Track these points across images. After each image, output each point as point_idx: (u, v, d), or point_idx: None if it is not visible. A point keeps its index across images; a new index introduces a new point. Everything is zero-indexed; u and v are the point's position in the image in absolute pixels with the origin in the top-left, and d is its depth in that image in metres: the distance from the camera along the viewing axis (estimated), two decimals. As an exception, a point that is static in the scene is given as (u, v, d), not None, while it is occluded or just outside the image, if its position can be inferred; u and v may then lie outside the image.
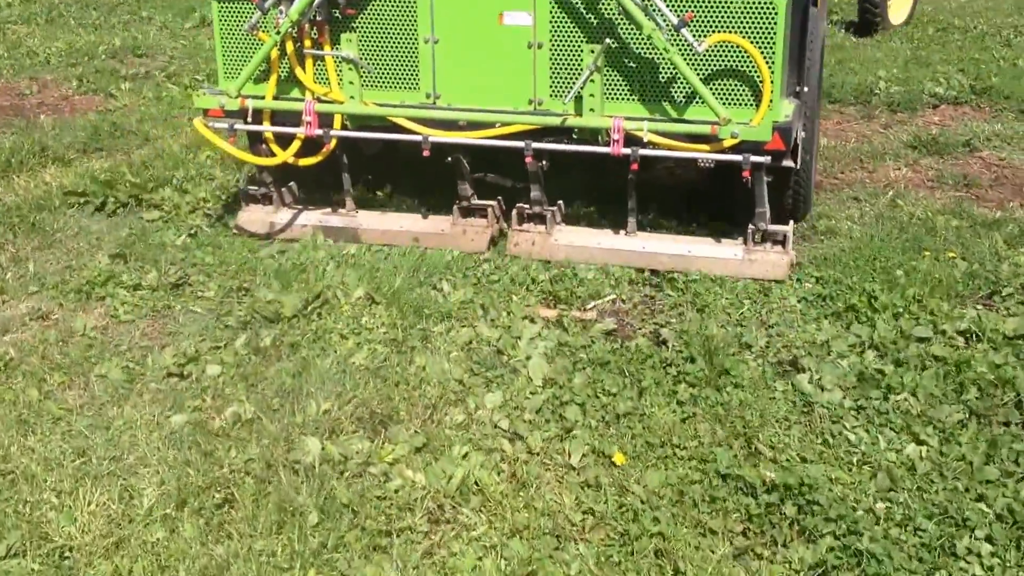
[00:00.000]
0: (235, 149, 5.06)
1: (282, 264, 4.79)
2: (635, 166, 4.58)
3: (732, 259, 4.74)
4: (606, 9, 4.54)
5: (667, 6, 4.39)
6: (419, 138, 4.81)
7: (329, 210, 5.33)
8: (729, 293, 4.48)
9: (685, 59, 4.44)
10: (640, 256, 4.84)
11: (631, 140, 4.53)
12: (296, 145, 5.02)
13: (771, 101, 4.41)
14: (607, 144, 4.57)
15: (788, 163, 4.57)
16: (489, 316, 4.33)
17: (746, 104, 4.50)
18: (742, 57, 4.44)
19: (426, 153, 4.79)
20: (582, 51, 4.58)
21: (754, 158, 4.48)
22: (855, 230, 5.15)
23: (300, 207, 5.39)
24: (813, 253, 4.92)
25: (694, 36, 4.38)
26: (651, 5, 4.41)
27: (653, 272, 4.78)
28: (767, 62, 4.37)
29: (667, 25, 4.39)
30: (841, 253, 4.85)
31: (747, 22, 4.40)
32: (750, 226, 4.74)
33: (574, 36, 4.60)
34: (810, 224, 5.20)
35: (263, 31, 4.88)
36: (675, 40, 4.41)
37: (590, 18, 4.56)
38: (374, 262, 4.79)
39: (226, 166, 6.10)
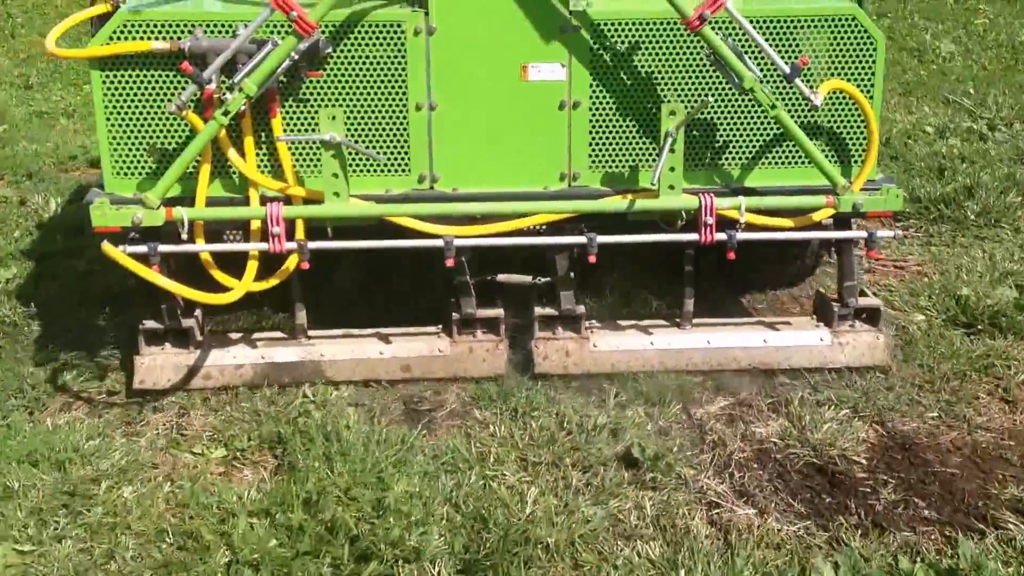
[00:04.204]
0: (172, 283, 3.80)
1: None
2: (732, 254, 3.96)
3: (818, 346, 4.25)
4: (675, 57, 3.94)
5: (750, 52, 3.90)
6: (437, 243, 3.87)
7: (271, 339, 4.24)
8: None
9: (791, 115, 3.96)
10: (707, 355, 4.22)
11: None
12: (254, 268, 3.88)
13: (875, 160, 4.05)
14: (686, 228, 3.98)
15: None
16: None
17: (836, 163, 4.08)
18: (843, 108, 4.04)
19: (451, 263, 3.86)
20: (634, 110, 3.96)
21: (882, 233, 4.08)
22: None
23: (223, 340, 4.19)
24: None
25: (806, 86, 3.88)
26: (747, 50, 3.88)
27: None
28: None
29: (766, 74, 3.90)
30: None
31: (844, 64, 3.99)
32: (833, 304, 4.27)
33: (624, 92, 3.95)
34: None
35: (193, 111, 3.73)
36: (780, 93, 3.95)
37: (648, 70, 3.93)
38: None
39: None
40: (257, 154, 3.86)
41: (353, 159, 3.93)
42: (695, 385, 4.13)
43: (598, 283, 4.75)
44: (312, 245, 3.82)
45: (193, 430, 3.85)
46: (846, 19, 3.96)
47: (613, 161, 4.03)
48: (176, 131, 3.84)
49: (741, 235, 3.96)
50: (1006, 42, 9.40)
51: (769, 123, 4.03)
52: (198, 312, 4.15)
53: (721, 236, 3.93)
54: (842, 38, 3.98)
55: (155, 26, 3.72)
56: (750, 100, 3.97)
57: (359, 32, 3.80)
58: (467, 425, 3.88)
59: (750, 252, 4.09)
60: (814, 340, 4.26)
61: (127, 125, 3.83)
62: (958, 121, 7.23)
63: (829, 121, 4.08)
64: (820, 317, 4.37)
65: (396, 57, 3.84)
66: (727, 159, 4.08)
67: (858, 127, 4.09)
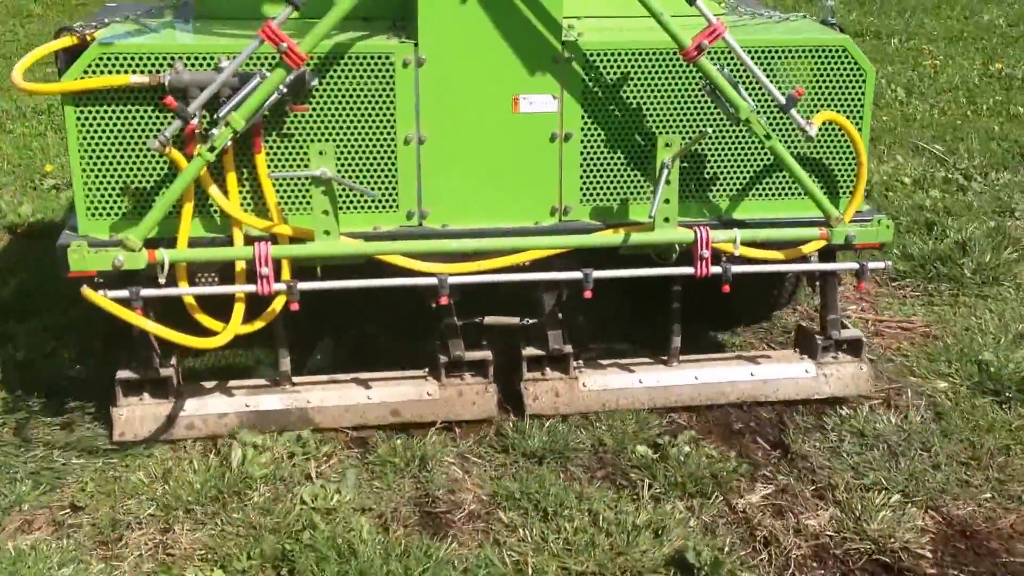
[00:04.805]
0: (161, 327, 3.65)
1: None
2: (727, 287, 3.96)
3: (804, 377, 4.32)
4: (668, 88, 3.92)
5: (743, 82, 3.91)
6: (430, 281, 3.81)
7: (254, 386, 4.07)
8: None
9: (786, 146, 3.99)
10: (695, 391, 4.27)
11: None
12: (241, 310, 3.74)
13: (863, 191, 4.11)
14: (679, 261, 4.01)
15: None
16: None
17: (825, 195, 4.07)
18: (831, 139, 4.08)
19: (444, 301, 3.81)
20: (625, 142, 3.94)
21: (873, 265, 4.16)
22: None
23: (203, 389, 4.02)
24: None
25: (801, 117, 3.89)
26: (742, 80, 3.89)
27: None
28: None
29: (762, 105, 3.93)
30: None
31: (834, 95, 4.03)
32: (816, 337, 4.33)
33: (616, 124, 3.92)
34: None
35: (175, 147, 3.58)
36: (775, 124, 3.97)
37: (640, 101, 3.91)
38: None
39: None
40: (240, 191, 3.71)
41: (339, 196, 3.76)
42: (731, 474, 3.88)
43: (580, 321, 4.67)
44: (302, 286, 3.71)
45: (181, 548, 3.39)
46: (837, 50, 3.99)
47: (604, 194, 4.00)
48: (155, 169, 3.68)
49: (740, 268, 3.97)
50: (960, 84, 9.47)
51: (761, 154, 4.04)
52: (173, 359, 3.98)
53: (717, 269, 3.93)
54: (833, 69, 4.00)
55: (133, 59, 3.55)
56: (742, 131, 3.98)
57: (346, 64, 3.69)
58: (493, 530, 3.51)
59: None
60: (799, 372, 4.33)
61: (103, 163, 3.64)
62: (932, 171, 7.15)
63: (818, 152, 4.10)
64: (803, 350, 4.44)
65: (384, 90, 3.74)
66: (719, 190, 4.08)
67: (847, 159, 4.12)
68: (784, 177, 4.08)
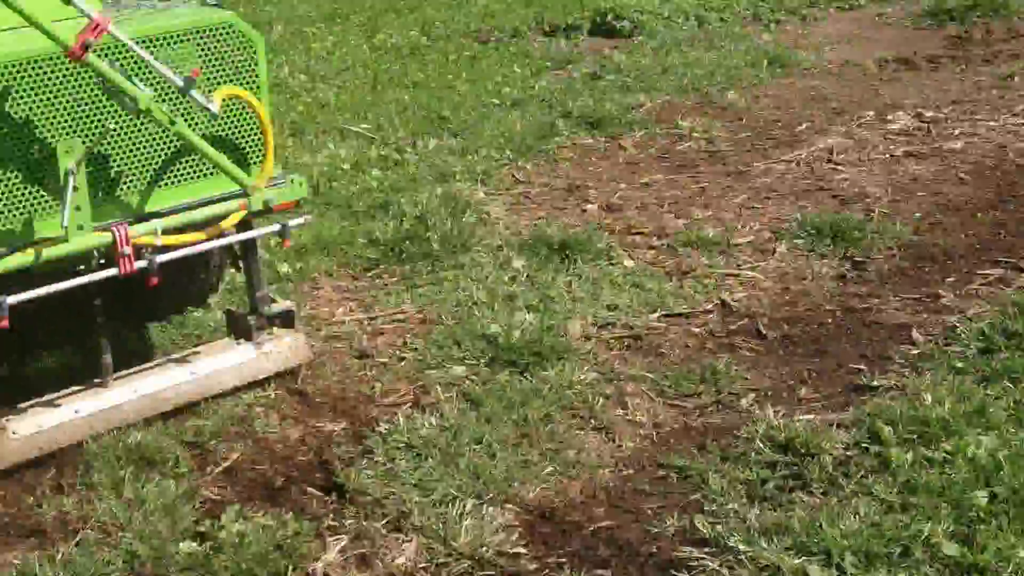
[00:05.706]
0: None
1: None
2: (155, 280, 3.91)
3: (246, 362, 4.36)
4: (61, 92, 3.79)
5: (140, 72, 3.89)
6: None
7: None
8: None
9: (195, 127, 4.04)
10: (139, 405, 4.12)
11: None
12: None
13: (273, 157, 4.26)
14: (105, 265, 3.91)
15: None
16: None
17: (241, 167, 4.20)
18: (237, 113, 4.21)
19: None
20: (22, 158, 3.75)
21: (294, 222, 4.33)
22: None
23: None
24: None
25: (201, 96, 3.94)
26: (138, 72, 3.86)
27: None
28: None
29: (164, 92, 3.93)
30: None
31: (231, 71, 4.16)
32: (248, 318, 4.40)
33: (10, 141, 3.72)
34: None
35: None
36: (181, 108, 4.01)
37: (30, 112, 3.74)
38: None
39: None
40: None
41: None
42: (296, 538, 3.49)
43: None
44: None
45: None
46: (225, 27, 4.13)
47: (8, 217, 3.78)
48: None
49: (167, 256, 3.96)
50: (354, 62, 9.59)
51: (170, 141, 4.07)
52: None
53: (142, 263, 3.90)
54: (225, 46, 4.12)
55: None
56: (147, 122, 3.96)
57: None
58: None
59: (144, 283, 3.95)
60: (240, 358, 4.37)
61: None
62: (366, 152, 7.13)
63: (225, 129, 4.20)
64: (238, 333, 4.47)
65: None
66: (132, 186, 4.05)
67: (253, 130, 4.25)
68: (196, 159, 4.13)
